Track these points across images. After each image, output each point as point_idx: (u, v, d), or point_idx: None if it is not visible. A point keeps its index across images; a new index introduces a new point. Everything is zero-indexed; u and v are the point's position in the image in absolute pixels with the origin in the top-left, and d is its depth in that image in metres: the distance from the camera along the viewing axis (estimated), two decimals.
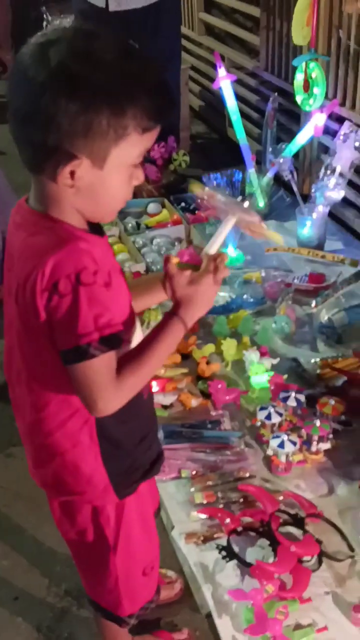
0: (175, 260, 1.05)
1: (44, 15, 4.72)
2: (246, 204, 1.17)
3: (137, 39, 3.18)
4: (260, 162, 3.02)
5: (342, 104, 2.62)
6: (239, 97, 3.54)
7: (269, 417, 1.80)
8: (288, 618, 1.36)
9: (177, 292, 1.03)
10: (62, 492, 1.10)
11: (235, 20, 3.71)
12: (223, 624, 1.40)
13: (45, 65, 0.84)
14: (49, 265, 0.88)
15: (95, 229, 1.00)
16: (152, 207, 2.98)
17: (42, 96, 0.84)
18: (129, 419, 1.07)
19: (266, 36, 3.11)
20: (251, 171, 2.93)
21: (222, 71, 2.86)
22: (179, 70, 3.32)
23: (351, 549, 1.56)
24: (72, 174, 0.91)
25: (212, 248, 1.08)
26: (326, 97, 2.65)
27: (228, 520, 1.57)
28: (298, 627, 1.40)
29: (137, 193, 3.28)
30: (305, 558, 1.51)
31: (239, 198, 2.51)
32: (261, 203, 2.96)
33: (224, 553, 1.51)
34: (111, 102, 0.87)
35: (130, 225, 2.86)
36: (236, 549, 1.53)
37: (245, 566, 1.49)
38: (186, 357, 2.13)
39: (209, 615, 1.43)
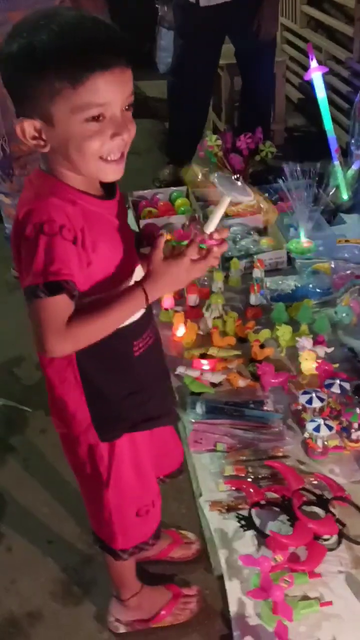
0: (167, 237, 1.13)
1: (158, 12, 4.89)
2: (239, 183, 1.20)
3: (230, 31, 3.25)
4: (346, 155, 3.01)
5: None
6: (335, 90, 3.53)
7: (310, 401, 1.83)
8: (293, 587, 1.41)
9: (150, 264, 1.10)
10: (58, 424, 1.24)
11: (338, 13, 3.68)
12: (232, 586, 1.48)
13: None
14: (22, 213, 1.02)
15: (109, 191, 1.10)
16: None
17: None
18: (112, 371, 1.17)
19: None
20: (335, 163, 2.92)
21: (313, 63, 2.88)
22: (273, 62, 3.34)
23: None
24: (39, 135, 1.02)
25: (209, 227, 1.15)
26: None
27: (252, 492, 1.63)
28: (305, 598, 1.44)
29: None
30: (325, 537, 1.55)
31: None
32: (345, 195, 2.95)
33: (243, 522, 1.58)
34: (30, 65, 0.96)
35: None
36: (257, 521, 1.60)
37: (262, 537, 1.55)
38: (243, 341, 2.19)
39: (220, 577, 1.51)
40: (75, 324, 1.04)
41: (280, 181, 2.76)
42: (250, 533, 1.57)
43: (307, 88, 4.04)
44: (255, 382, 2.03)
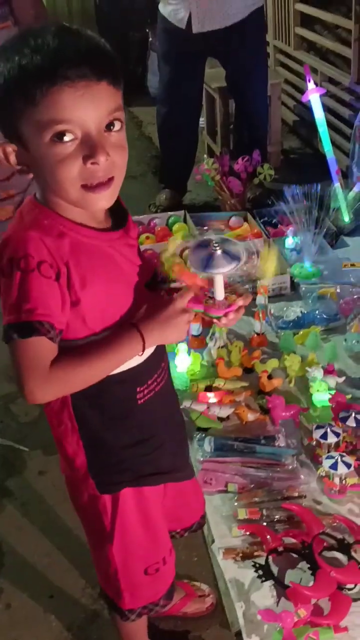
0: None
1: (148, 36, 4.87)
2: (217, 252, 1.05)
3: (220, 55, 3.21)
4: (346, 177, 2.95)
5: None
6: (331, 111, 3.49)
7: (324, 436, 1.73)
8: None
9: (150, 306, 1.02)
10: (62, 466, 1.13)
11: (332, 35, 3.65)
12: None
13: None
14: (2, 245, 0.94)
15: (117, 222, 1.01)
16: (234, 220, 2.97)
17: None
18: (111, 418, 1.06)
19: (358, 49, 3.04)
20: (336, 185, 2.86)
21: (311, 84, 2.83)
22: (265, 84, 3.29)
23: None
24: (18, 158, 0.95)
25: (218, 295, 1.03)
26: None
27: (269, 538, 1.52)
28: None
29: (220, 207, 3.30)
30: (348, 586, 1.44)
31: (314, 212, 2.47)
32: (346, 218, 2.89)
33: (260, 572, 1.47)
34: (1, 90, 0.89)
35: None
36: (275, 569, 1.48)
37: (281, 588, 1.44)
38: (249, 371, 2.10)
39: (238, 634, 1.39)
40: (60, 368, 0.94)
41: (282, 204, 2.70)
42: (268, 583, 1.46)
43: (302, 110, 4.02)
44: (264, 416, 1.93)
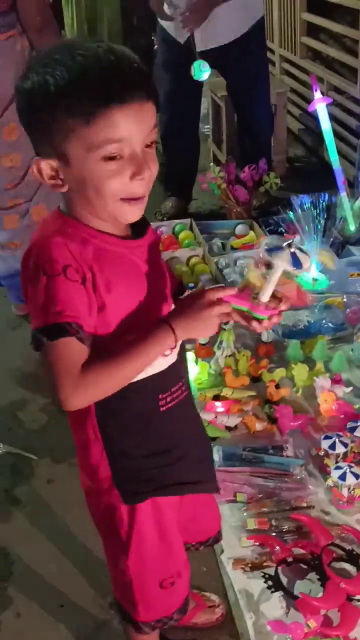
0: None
1: (154, 43, 4.89)
2: (292, 249, 1.05)
3: (219, 67, 3.18)
4: (352, 186, 2.95)
5: None
6: (337, 121, 3.49)
7: (333, 446, 1.74)
8: None
9: (181, 302, 1.03)
10: (83, 479, 1.13)
11: (338, 44, 3.67)
12: None
13: None
14: (26, 253, 0.95)
15: (137, 231, 1.02)
16: (240, 228, 2.98)
17: None
18: (133, 427, 1.06)
19: None
20: (342, 195, 2.86)
21: (317, 94, 2.83)
22: (267, 94, 3.29)
23: None
24: (56, 175, 0.94)
25: (264, 296, 1.03)
26: None
27: (278, 549, 1.53)
28: None
29: (226, 215, 3.31)
30: (357, 597, 1.44)
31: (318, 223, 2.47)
32: (352, 227, 2.89)
33: (270, 583, 1.47)
34: (43, 103, 0.89)
35: (216, 246, 2.88)
36: (284, 580, 1.49)
37: (291, 599, 1.44)
38: (256, 380, 2.10)
39: None
40: (92, 369, 0.94)
41: (288, 212, 2.70)
42: (277, 594, 1.46)
43: (307, 118, 4.03)
44: (272, 425, 1.93)
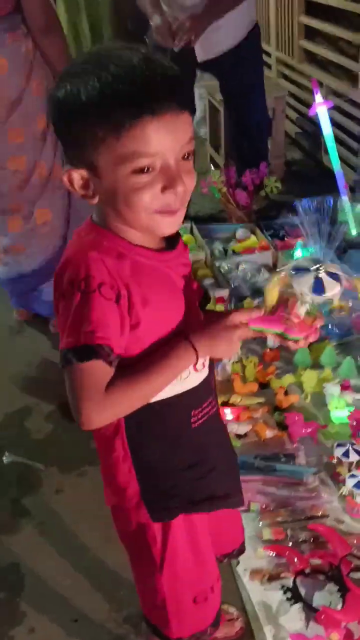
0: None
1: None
2: (320, 274, 1.01)
3: (213, 72, 3.11)
4: (354, 190, 2.95)
5: None
6: (336, 124, 3.48)
7: (346, 454, 1.72)
8: None
9: (204, 319, 1.02)
10: (108, 496, 1.10)
11: (336, 48, 3.66)
12: None
13: None
14: (60, 266, 0.93)
15: (170, 243, 0.99)
16: (240, 232, 2.97)
17: None
18: (165, 443, 1.04)
19: None
20: (344, 199, 2.86)
21: (318, 97, 2.82)
22: (262, 98, 3.26)
23: None
24: (86, 185, 0.92)
25: (301, 316, 1.00)
26: None
27: (296, 560, 1.51)
28: None
29: (227, 219, 3.29)
30: None
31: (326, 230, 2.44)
32: (354, 231, 2.88)
33: (289, 594, 1.45)
34: (74, 112, 0.87)
35: (217, 250, 2.86)
36: (302, 591, 1.47)
37: (310, 611, 1.42)
38: (264, 386, 2.08)
39: None
40: (116, 390, 0.92)
41: (290, 216, 2.69)
42: (297, 606, 1.44)
43: (304, 122, 4.02)
44: (282, 433, 1.91)
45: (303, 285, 0.96)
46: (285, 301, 0.98)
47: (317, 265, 0.98)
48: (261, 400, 2.01)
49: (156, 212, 0.90)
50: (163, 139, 0.87)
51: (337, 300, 1.00)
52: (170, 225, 0.93)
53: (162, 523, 1.07)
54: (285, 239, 2.91)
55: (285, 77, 4.15)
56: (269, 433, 1.90)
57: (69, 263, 0.91)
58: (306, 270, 0.98)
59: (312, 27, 3.73)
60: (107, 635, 1.45)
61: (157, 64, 0.87)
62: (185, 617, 1.15)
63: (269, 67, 4.26)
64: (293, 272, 0.98)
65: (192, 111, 0.95)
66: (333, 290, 0.97)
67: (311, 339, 0.99)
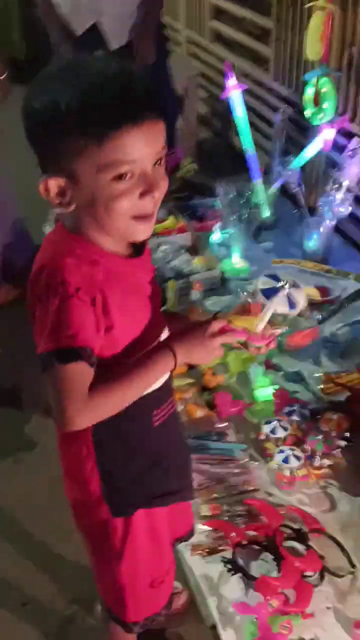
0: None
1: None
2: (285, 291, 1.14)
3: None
4: (267, 173, 3.05)
5: (352, 120, 2.65)
6: (248, 107, 3.57)
7: (274, 431, 1.83)
8: (292, 633, 1.39)
9: (185, 328, 1.07)
10: (69, 490, 1.14)
11: (244, 29, 3.73)
12: (228, 636, 1.43)
13: None
14: (35, 272, 0.95)
15: (137, 249, 1.02)
16: (159, 213, 2.99)
17: None
18: (128, 442, 1.08)
19: (277, 48, 3.14)
20: (258, 181, 2.95)
21: (232, 80, 2.88)
22: (170, 76, 3.28)
23: (352, 565, 1.58)
24: (62, 193, 0.93)
25: (259, 327, 1.09)
26: (336, 112, 2.68)
27: (234, 534, 1.60)
28: None
29: None
30: (308, 573, 1.54)
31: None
32: (266, 214, 2.99)
33: (229, 566, 1.54)
34: (53, 122, 0.89)
35: None
36: (241, 562, 1.56)
37: (249, 580, 1.52)
38: (192, 367, 2.15)
39: (213, 627, 1.45)
40: (98, 392, 0.95)
41: (207, 198, 2.76)
42: (236, 576, 1.53)
43: (214, 102, 4.08)
44: (212, 412, 1.99)
45: (280, 305, 1.05)
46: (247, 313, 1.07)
47: (282, 284, 1.07)
48: (191, 381, 2.07)
49: (133, 218, 0.93)
50: (142, 147, 0.90)
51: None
52: (144, 231, 0.97)
53: (125, 517, 1.11)
54: (204, 220, 2.97)
55: (195, 56, 4.19)
56: (199, 413, 1.97)
57: (44, 269, 0.93)
58: (274, 289, 1.07)
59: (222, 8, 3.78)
60: (57, 617, 1.49)
61: (135, 73, 0.89)
62: (142, 601, 1.21)
63: (179, 44, 4.28)
64: (264, 293, 1.07)
65: (166, 120, 0.99)
66: (301, 300, 1.06)
67: (272, 346, 1.07)
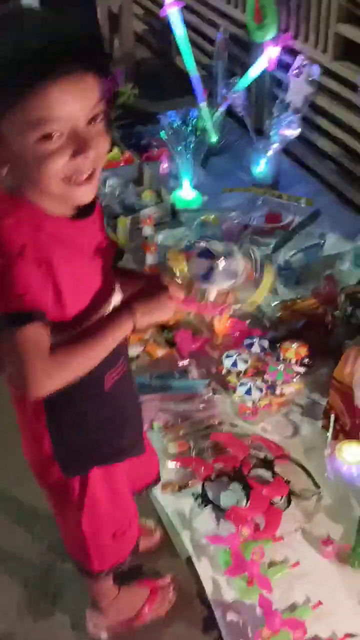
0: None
1: None
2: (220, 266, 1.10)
3: None
4: (212, 95, 2.95)
5: (295, 37, 2.56)
6: (186, 24, 3.41)
7: (235, 364, 1.85)
8: (264, 557, 1.46)
9: (144, 289, 1.05)
10: (24, 450, 1.14)
11: None
12: (203, 567, 1.49)
13: None
14: None
15: (85, 209, 0.98)
16: None
17: None
18: (79, 403, 1.07)
19: None
20: (203, 105, 2.85)
21: None
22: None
23: (317, 486, 1.65)
24: None
25: (211, 298, 1.07)
26: (279, 29, 2.59)
27: (202, 468, 1.64)
28: (272, 564, 1.50)
29: None
30: (275, 499, 1.60)
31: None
32: (214, 138, 2.91)
33: (199, 500, 1.59)
34: None
35: None
36: (210, 494, 1.61)
37: (220, 511, 1.57)
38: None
39: (188, 560, 1.51)
40: (60, 354, 0.93)
41: (151, 127, 2.67)
42: (207, 509, 1.59)
43: (151, 19, 3.88)
44: (172, 350, 2.00)
45: (195, 269, 1.03)
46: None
47: (221, 258, 1.05)
48: None
49: (68, 180, 0.88)
50: (69, 103, 0.83)
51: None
52: (85, 193, 0.91)
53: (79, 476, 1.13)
54: (149, 150, 2.89)
55: None
56: (159, 352, 1.98)
57: None
58: (210, 270, 1.05)
59: None
60: (36, 568, 1.52)
61: (58, 24, 0.83)
62: (105, 552, 1.24)
63: None
64: (203, 277, 1.05)
65: (102, 72, 0.90)
66: (222, 284, 1.05)
67: (225, 314, 1.06)
